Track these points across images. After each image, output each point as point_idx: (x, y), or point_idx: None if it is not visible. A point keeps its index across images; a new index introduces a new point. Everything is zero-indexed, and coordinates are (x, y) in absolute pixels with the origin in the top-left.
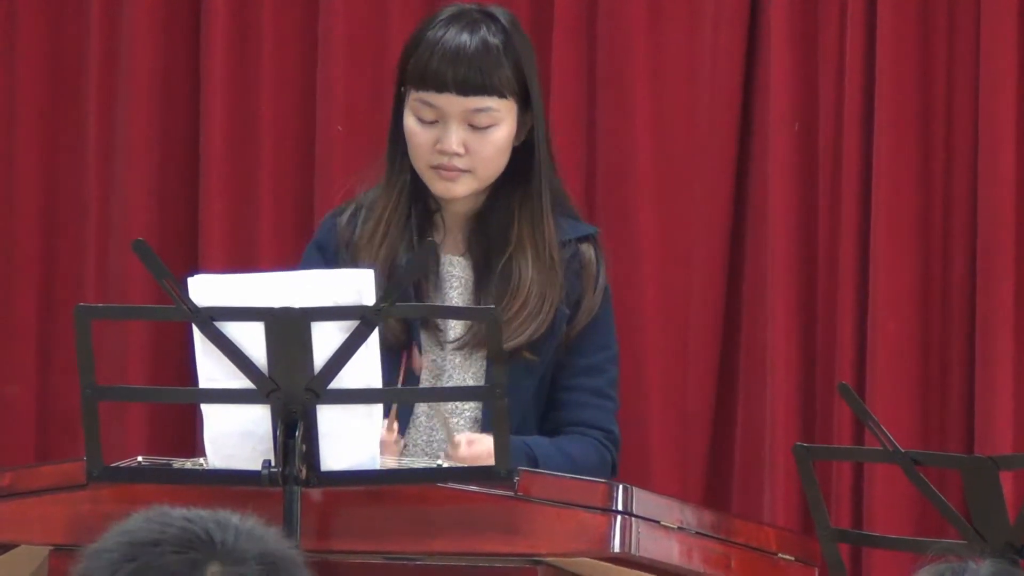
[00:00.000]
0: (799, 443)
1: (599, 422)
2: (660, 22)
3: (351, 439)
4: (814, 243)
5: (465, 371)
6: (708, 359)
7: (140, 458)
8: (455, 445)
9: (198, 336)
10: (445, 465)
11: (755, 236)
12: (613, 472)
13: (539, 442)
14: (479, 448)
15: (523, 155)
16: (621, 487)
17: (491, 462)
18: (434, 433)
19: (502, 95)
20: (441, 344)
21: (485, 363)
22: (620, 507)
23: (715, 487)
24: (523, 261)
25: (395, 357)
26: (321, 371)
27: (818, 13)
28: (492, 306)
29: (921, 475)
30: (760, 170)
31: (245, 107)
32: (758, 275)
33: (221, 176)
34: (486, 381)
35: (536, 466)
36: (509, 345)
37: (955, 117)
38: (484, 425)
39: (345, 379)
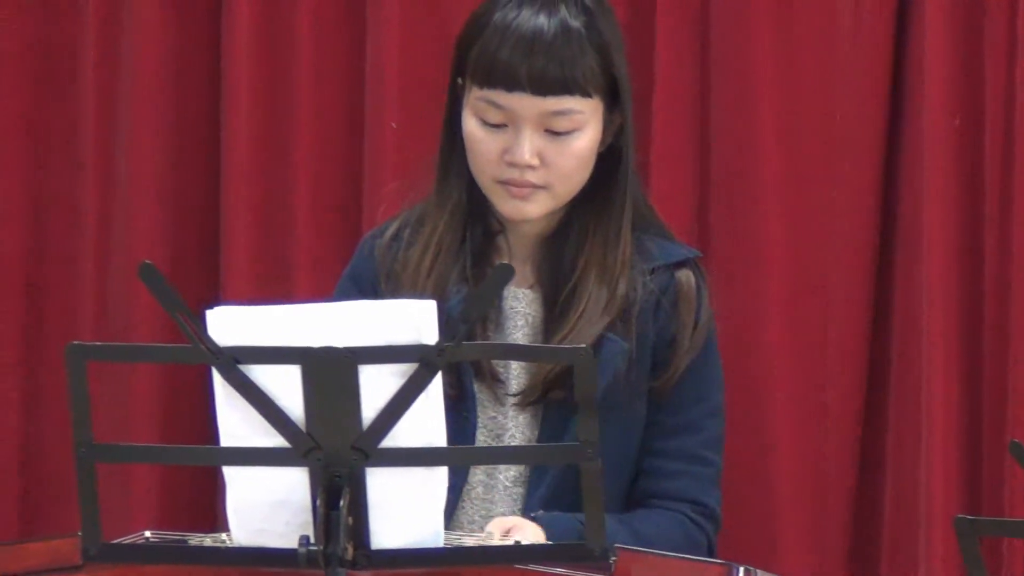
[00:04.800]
0: (961, 515)
1: (689, 493)
2: None
3: (409, 510)
4: (979, 265)
5: (529, 429)
6: (850, 411)
7: (148, 533)
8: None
9: (219, 382)
10: (524, 542)
11: (906, 257)
12: (710, 555)
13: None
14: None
15: (605, 163)
16: (742, 569)
17: None
18: (494, 507)
19: (586, 93)
20: (501, 399)
21: (541, 417)
22: None
23: (859, 568)
24: (584, 289)
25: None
26: (371, 426)
27: None
28: (583, 345)
29: None
30: (912, 176)
31: (276, 100)
32: (910, 306)
33: (247, 185)
34: (579, 436)
35: None
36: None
37: None
38: (531, 488)
39: (401, 436)
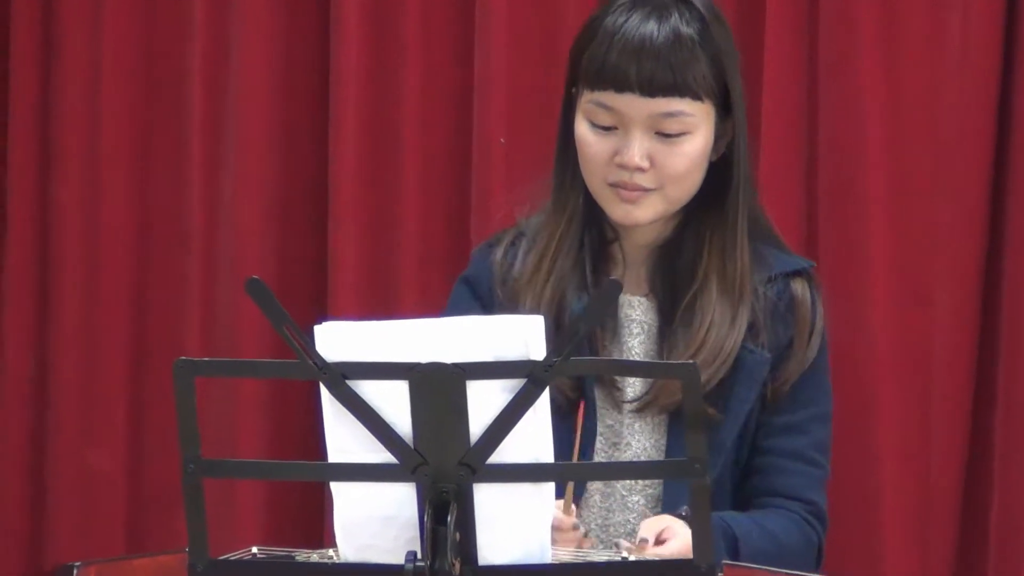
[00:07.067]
0: None
1: (799, 491)
2: None
3: (516, 525)
4: None
5: (646, 437)
6: (956, 421)
7: (255, 549)
8: (641, 544)
9: (327, 398)
10: (631, 557)
11: (1014, 270)
12: (819, 555)
13: (737, 519)
14: (674, 546)
15: (719, 172)
16: None
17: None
18: (611, 515)
19: (697, 97)
20: (618, 404)
21: (667, 427)
22: None
23: None
24: (707, 300)
25: (564, 421)
26: (479, 441)
27: None
28: (691, 361)
29: None
30: (1020, 188)
31: (384, 116)
32: (1018, 318)
33: (355, 201)
34: (687, 452)
35: (736, 547)
36: (676, 400)
37: None
38: (667, 505)
39: (508, 451)
